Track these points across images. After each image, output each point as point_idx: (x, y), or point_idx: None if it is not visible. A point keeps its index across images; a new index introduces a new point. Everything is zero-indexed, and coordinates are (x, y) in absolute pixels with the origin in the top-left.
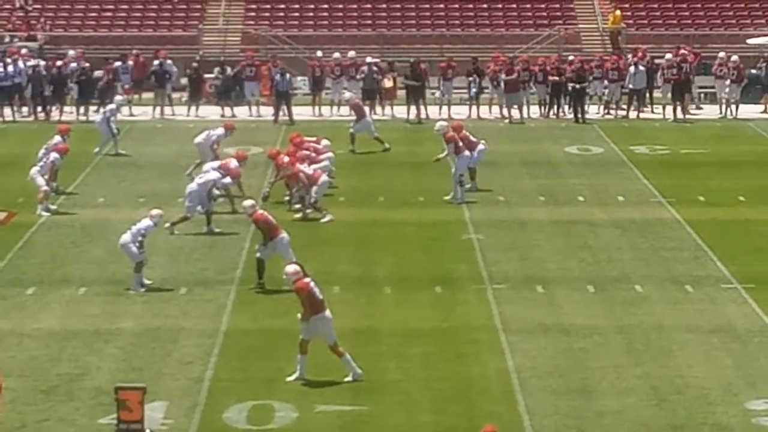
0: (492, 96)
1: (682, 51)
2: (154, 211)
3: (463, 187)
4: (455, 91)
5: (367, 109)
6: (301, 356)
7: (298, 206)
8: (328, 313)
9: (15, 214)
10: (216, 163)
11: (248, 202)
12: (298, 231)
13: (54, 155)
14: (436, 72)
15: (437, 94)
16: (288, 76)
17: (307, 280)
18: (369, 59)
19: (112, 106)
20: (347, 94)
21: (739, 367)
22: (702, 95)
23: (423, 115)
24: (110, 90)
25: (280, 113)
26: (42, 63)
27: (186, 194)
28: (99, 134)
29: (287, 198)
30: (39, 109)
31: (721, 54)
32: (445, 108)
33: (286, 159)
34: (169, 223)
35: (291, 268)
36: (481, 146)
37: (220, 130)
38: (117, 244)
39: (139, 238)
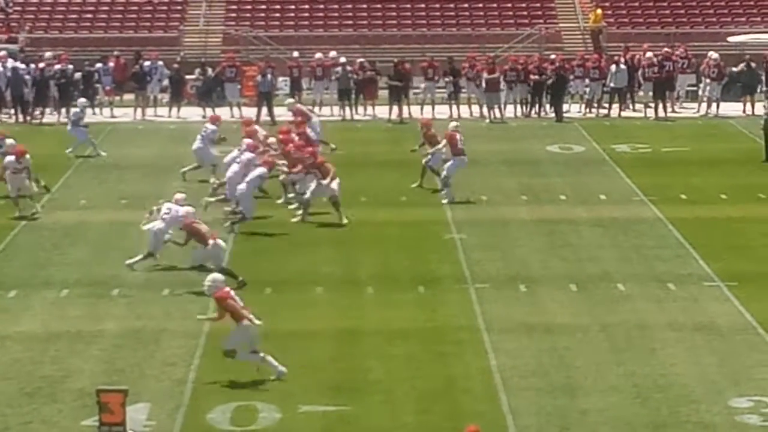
0: (469, 95)
1: (665, 49)
2: (178, 195)
3: (450, 187)
4: (438, 90)
5: (316, 108)
6: (258, 356)
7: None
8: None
9: None
10: (245, 157)
11: (188, 209)
12: (281, 232)
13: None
14: (419, 72)
15: (420, 93)
16: (270, 76)
17: (227, 289)
18: (342, 59)
19: (76, 109)
20: (288, 101)
21: (722, 365)
22: (686, 93)
23: (405, 115)
24: (90, 91)
25: (262, 114)
26: (23, 66)
27: (238, 197)
28: (73, 138)
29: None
30: (20, 110)
31: (711, 53)
32: (427, 107)
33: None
34: (229, 222)
35: (212, 276)
36: (463, 157)
37: (211, 126)
38: (146, 226)
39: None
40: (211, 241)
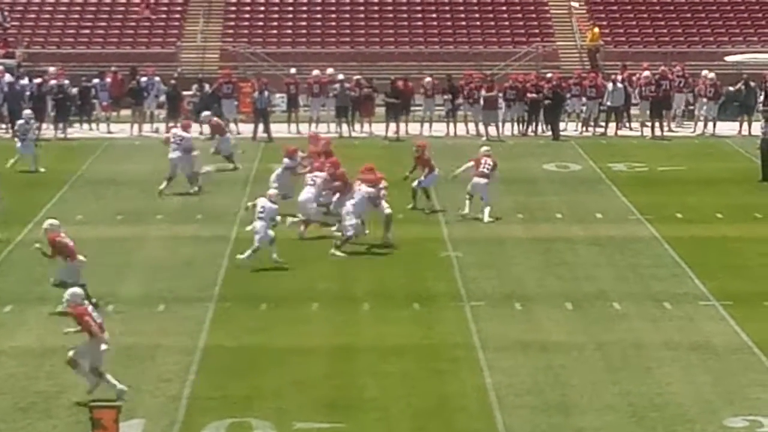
0: (466, 113)
1: (663, 68)
2: (271, 191)
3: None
4: (436, 108)
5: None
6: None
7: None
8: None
9: None
10: (319, 178)
11: (51, 222)
12: (278, 249)
13: None
14: (419, 89)
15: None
16: (267, 93)
17: (86, 304)
18: (340, 76)
19: (21, 121)
20: (205, 113)
21: (718, 384)
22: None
23: (402, 133)
24: (87, 107)
25: (259, 130)
26: (26, 81)
27: (344, 214)
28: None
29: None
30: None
31: (705, 72)
32: (426, 125)
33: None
34: (335, 247)
35: (73, 290)
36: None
37: (185, 134)
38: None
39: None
40: (79, 257)
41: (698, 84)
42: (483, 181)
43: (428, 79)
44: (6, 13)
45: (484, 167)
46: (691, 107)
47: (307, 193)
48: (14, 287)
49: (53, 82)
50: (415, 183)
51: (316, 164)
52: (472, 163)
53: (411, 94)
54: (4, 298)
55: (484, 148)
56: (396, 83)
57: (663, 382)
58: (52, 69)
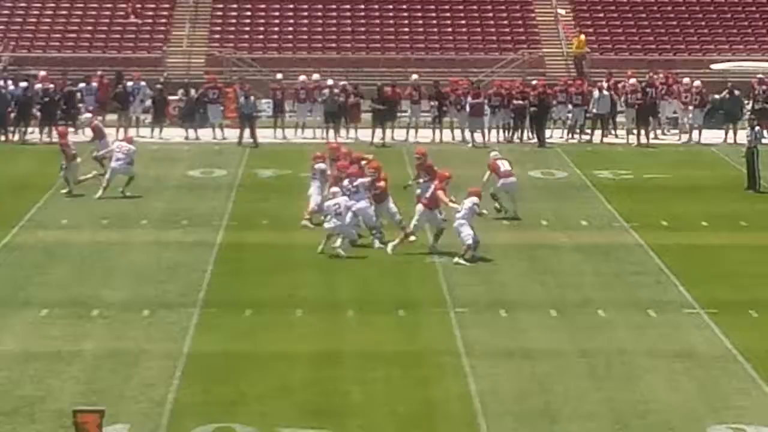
0: (452, 119)
1: (650, 75)
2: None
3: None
4: (422, 114)
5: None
6: None
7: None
8: None
9: None
10: (361, 183)
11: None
12: (263, 254)
13: None
14: (406, 92)
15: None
16: (252, 98)
17: None
18: (329, 81)
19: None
20: (85, 115)
21: (702, 392)
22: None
23: (389, 139)
24: (73, 111)
25: (244, 136)
26: (23, 84)
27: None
28: None
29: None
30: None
31: (686, 80)
32: (412, 131)
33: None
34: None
35: None
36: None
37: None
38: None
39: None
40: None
41: (679, 91)
42: (513, 179)
43: (415, 76)
44: None
45: (503, 167)
46: (675, 115)
47: (364, 201)
48: None
49: (38, 86)
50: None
51: (351, 170)
52: (489, 173)
53: (398, 100)
54: None
55: (494, 152)
56: (383, 89)
57: (647, 389)
58: (42, 73)
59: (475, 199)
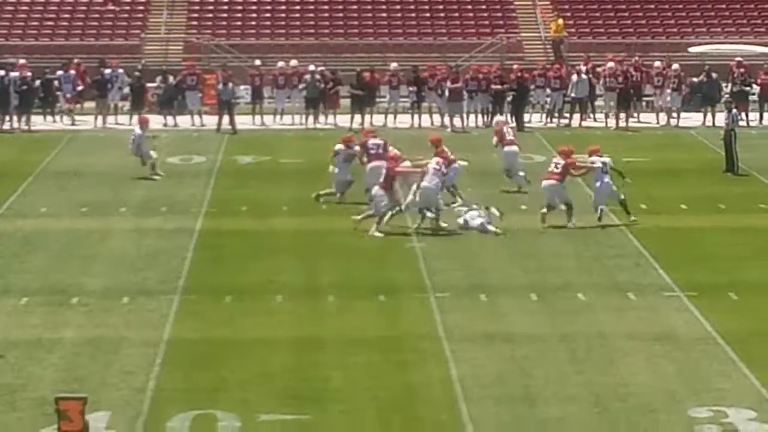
0: (431, 104)
1: (635, 58)
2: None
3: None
4: (401, 99)
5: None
6: None
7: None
8: None
9: None
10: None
11: None
12: (242, 240)
13: None
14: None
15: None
16: (231, 85)
17: None
18: (311, 67)
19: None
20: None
21: (682, 375)
22: (644, 104)
23: (367, 124)
24: (51, 99)
25: (223, 122)
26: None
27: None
28: None
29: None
30: None
31: (657, 63)
32: (391, 117)
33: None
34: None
35: None
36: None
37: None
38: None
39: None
40: None
41: (651, 75)
42: (515, 148)
43: (394, 64)
44: None
45: (508, 135)
46: (650, 98)
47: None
48: None
49: (14, 74)
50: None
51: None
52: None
53: (376, 86)
54: None
55: (500, 118)
56: (362, 74)
57: (627, 372)
58: (22, 61)
59: (437, 159)
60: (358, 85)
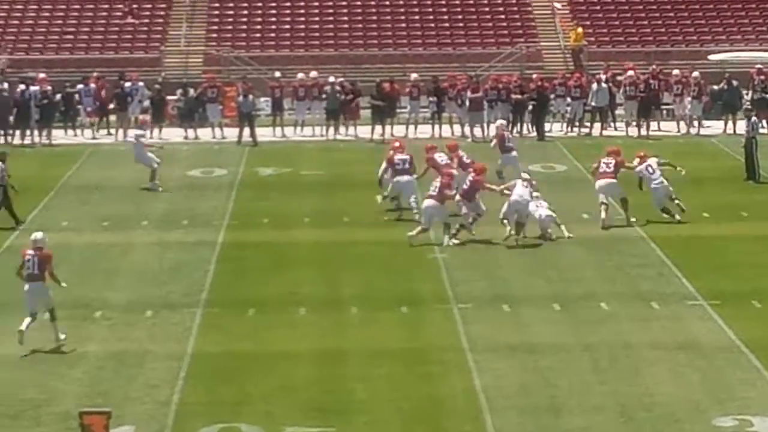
0: (451, 114)
1: (652, 67)
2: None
3: None
4: (421, 110)
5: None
6: None
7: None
8: None
9: None
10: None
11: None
12: (264, 253)
13: None
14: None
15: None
16: (251, 97)
17: None
18: (331, 79)
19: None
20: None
21: (706, 384)
22: (663, 112)
23: (388, 135)
24: (71, 113)
25: (244, 134)
26: (25, 87)
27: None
28: None
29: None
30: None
31: (675, 71)
32: (412, 127)
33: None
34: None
35: None
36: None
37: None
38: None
39: None
40: None
41: (673, 82)
42: (514, 154)
43: (414, 75)
44: None
45: (508, 142)
46: (669, 106)
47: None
48: (1, 294)
49: (34, 88)
50: None
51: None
52: (495, 142)
53: (397, 96)
54: None
55: (501, 122)
56: (382, 85)
57: (651, 382)
58: (41, 75)
59: (525, 176)
60: (378, 96)
